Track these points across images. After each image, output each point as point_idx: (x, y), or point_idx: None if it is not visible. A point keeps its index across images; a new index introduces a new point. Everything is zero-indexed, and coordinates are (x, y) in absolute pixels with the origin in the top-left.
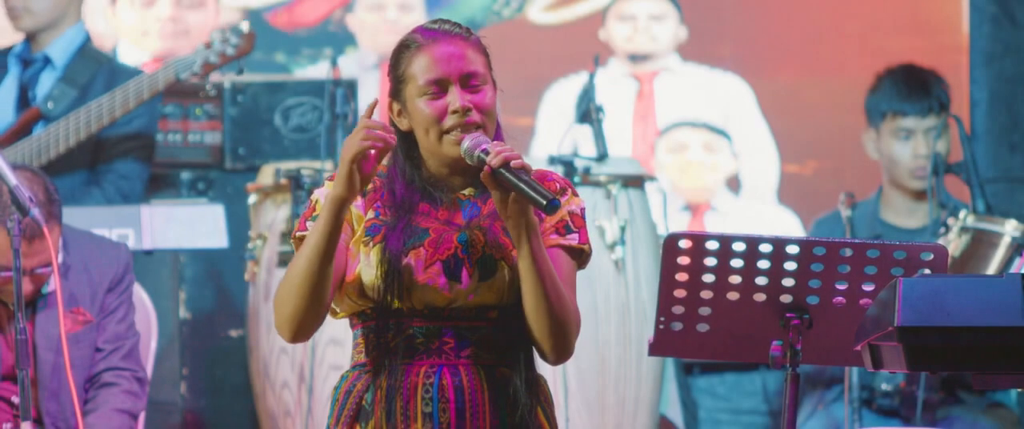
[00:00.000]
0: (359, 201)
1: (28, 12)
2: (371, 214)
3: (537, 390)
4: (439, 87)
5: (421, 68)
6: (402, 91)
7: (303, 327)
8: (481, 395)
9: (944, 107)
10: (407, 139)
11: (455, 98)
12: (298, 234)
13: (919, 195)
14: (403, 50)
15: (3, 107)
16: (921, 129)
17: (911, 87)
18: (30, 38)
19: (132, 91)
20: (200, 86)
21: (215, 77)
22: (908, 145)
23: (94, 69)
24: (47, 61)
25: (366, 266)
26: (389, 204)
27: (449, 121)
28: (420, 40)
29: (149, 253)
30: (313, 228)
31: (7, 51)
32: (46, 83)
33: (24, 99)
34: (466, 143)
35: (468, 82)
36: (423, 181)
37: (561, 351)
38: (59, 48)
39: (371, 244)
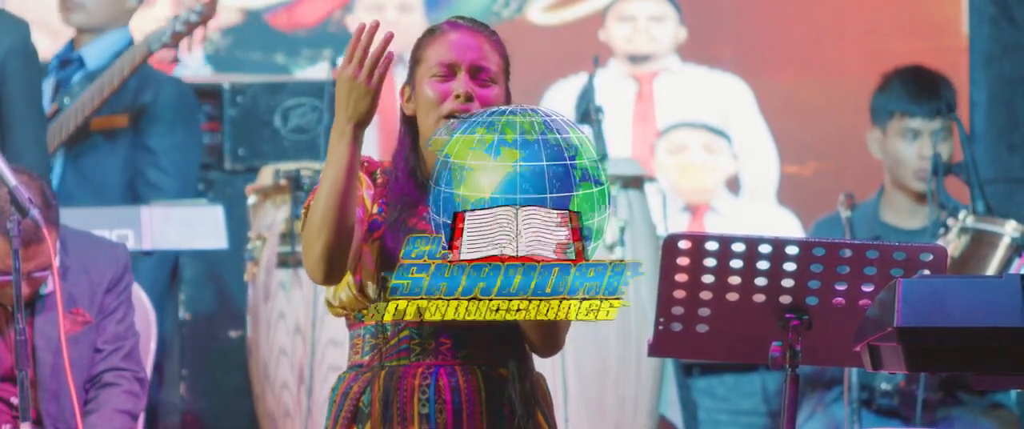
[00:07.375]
0: (370, 192)
1: (81, 7)
2: (376, 209)
3: (535, 390)
4: (448, 70)
5: (435, 51)
6: (414, 73)
7: (334, 264)
8: (478, 396)
9: (951, 109)
10: (413, 128)
11: (460, 83)
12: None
13: (921, 196)
14: (425, 35)
15: None
16: (928, 131)
17: (921, 88)
18: (73, 40)
19: (116, 69)
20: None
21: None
22: (914, 146)
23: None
24: (81, 62)
25: (365, 264)
26: (390, 200)
27: (448, 105)
28: (444, 27)
29: (149, 254)
30: (328, 162)
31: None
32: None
33: (54, 98)
34: (443, 129)
35: (478, 74)
36: (425, 175)
37: (550, 344)
38: (95, 50)
39: (370, 241)
